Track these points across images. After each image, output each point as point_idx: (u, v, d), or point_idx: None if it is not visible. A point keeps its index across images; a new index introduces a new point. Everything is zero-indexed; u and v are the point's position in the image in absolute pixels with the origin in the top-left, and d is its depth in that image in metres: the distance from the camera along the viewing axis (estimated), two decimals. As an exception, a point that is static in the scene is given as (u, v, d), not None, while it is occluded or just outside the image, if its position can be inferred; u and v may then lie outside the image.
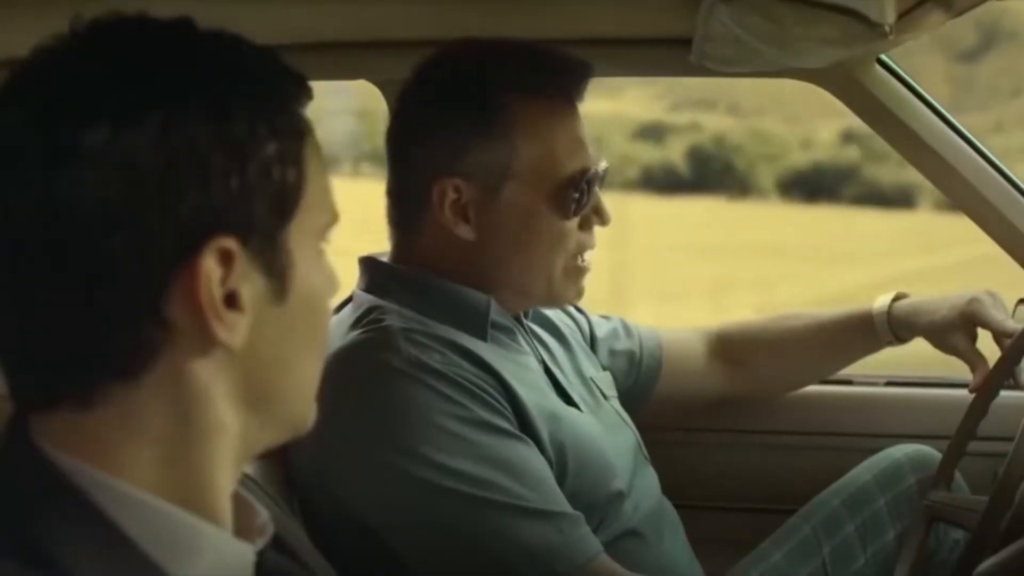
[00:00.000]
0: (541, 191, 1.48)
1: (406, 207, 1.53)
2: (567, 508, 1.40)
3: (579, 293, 1.57)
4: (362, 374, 1.41)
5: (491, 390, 1.42)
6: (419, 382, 1.39)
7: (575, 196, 1.49)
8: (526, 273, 1.52)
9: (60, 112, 0.73)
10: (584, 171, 1.50)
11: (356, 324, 1.46)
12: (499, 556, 1.36)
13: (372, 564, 1.40)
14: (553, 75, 1.51)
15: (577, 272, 1.55)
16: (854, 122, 1.94)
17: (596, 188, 1.53)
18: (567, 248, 1.52)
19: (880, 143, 1.93)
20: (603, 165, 1.55)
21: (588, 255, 1.55)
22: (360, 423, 1.39)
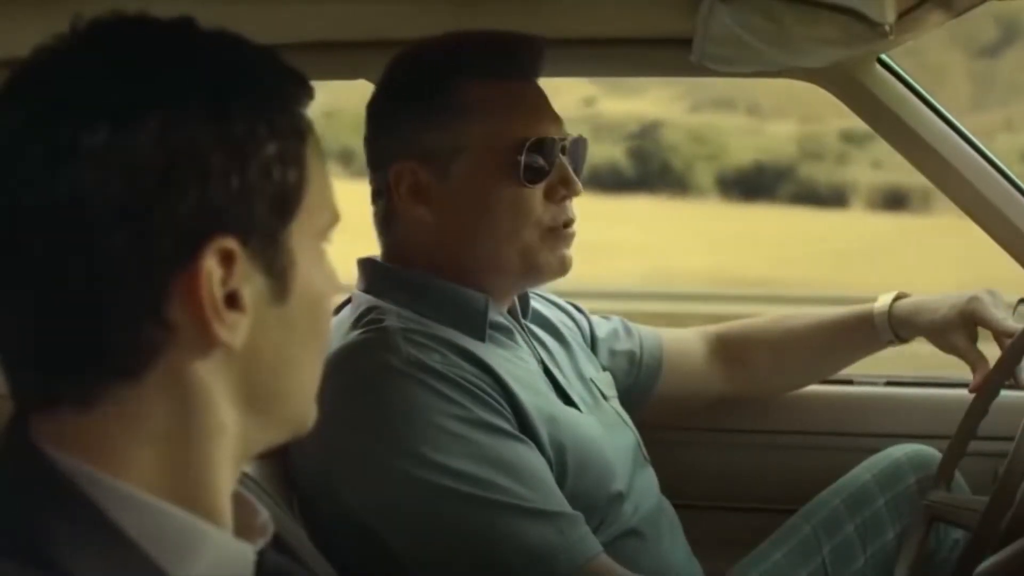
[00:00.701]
0: (491, 162, 1.49)
1: (379, 201, 1.55)
2: (567, 508, 1.40)
3: (563, 262, 1.53)
4: (362, 374, 1.41)
5: (490, 390, 1.43)
6: (419, 382, 1.39)
7: (526, 162, 1.48)
8: (494, 247, 1.51)
9: (60, 112, 0.73)
10: (537, 139, 1.49)
11: (355, 325, 1.47)
12: (499, 556, 1.36)
13: (372, 564, 1.40)
14: (502, 54, 1.52)
15: (555, 239, 1.52)
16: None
17: (558, 158, 1.51)
18: (532, 217, 1.50)
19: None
20: (570, 136, 1.54)
21: (572, 225, 1.54)
22: (360, 423, 1.39)
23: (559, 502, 1.41)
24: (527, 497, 1.38)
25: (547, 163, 1.50)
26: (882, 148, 1.93)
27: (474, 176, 1.49)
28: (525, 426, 1.44)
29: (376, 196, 1.56)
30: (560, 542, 1.37)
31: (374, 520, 1.39)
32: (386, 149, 1.53)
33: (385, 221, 1.55)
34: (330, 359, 1.33)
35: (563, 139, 1.53)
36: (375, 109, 1.56)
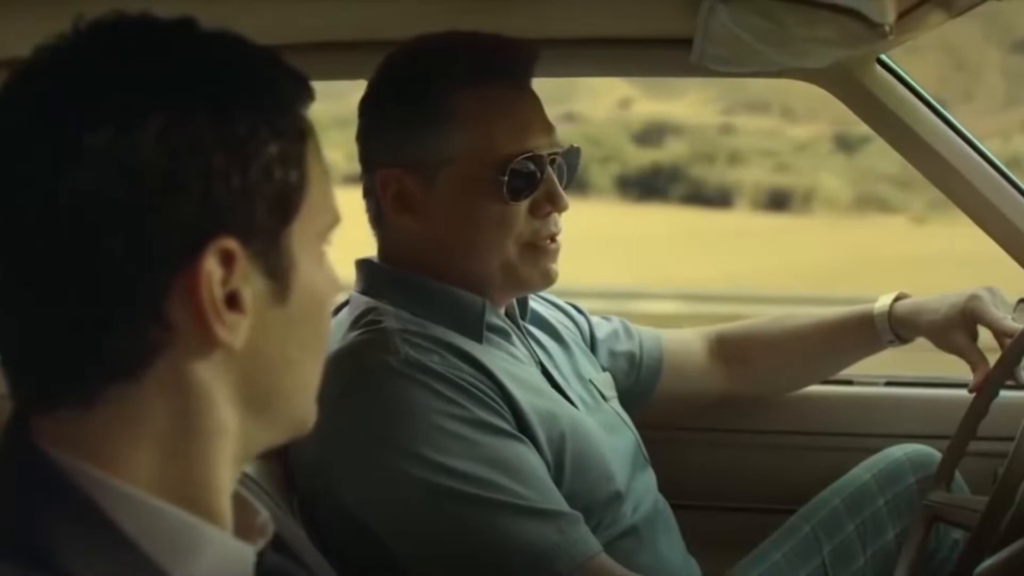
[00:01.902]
0: (476, 176, 1.47)
1: (369, 204, 1.55)
2: (565, 507, 1.40)
3: (546, 275, 1.53)
4: (360, 375, 1.41)
5: (488, 391, 1.43)
6: (417, 382, 1.39)
7: (508, 180, 1.46)
8: (476, 259, 1.51)
9: (62, 113, 0.73)
10: (522, 154, 1.47)
11: (353, 326, 1.47)
12: (498, 555, 1.36)
13: (372, 564, 1.40)
14: (493, 62, 1.50)
15: (538, 254, 1.51)
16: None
17: (545, 172, 1.49)
18: (515, 232, 1.49)
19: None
20: (559, 149, 1.51)
21: (557, 239, 1.52)
22: (359, 424, 1.39)
23: (558, 501, 1.41)
24: (526, 496, 1.38)
25: (533, 179, 1.48)
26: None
27: (459, 189, 1.48)
28: (523, 426, 1.44)
29: (366, 195, 1.55)
30: (559, 541, 1.37)
31: (373, 520, 1.39)
32: (374, 152, 1.52)
33: (375, 222, 1.56)
34: (328, 360, 1.33)
35: (552, 152, 1.50)
36: (366, 109, 1.55)
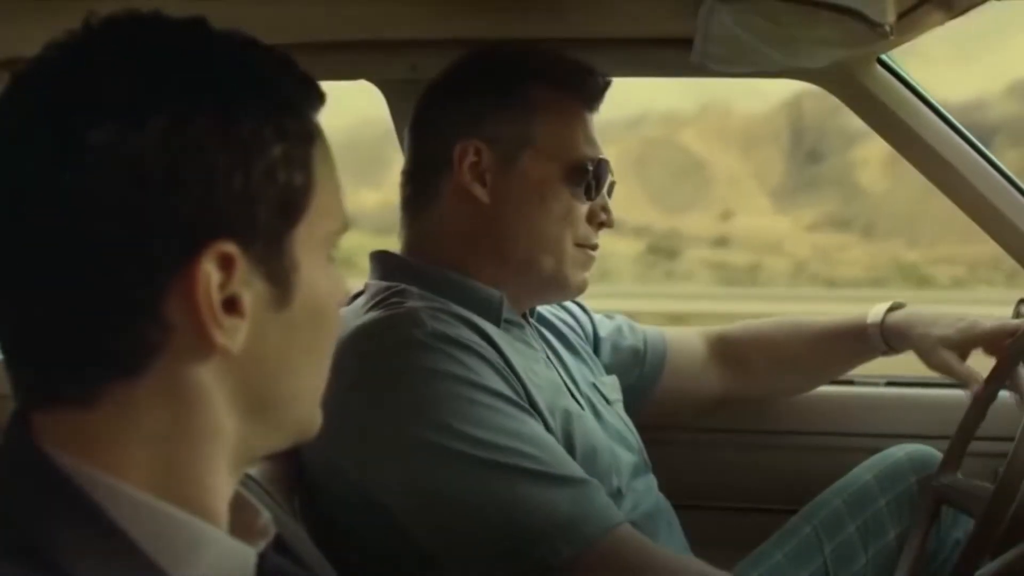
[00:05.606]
0: (557, 165, 1.53)
1: (427, 174, 1.56)
2: (587, 477, 1.39)
3: (581, 285, 1.59)
4: (387, 348, 1.39)
5: (507, 370, 1.42)
6: (444, 354, 1.38)
7: (587, 178, 1.54)
8: (534, 245, 1.54)
9: (67, 108, 0.73)
10: (598, 160, 1.56)
11: (374, 306, 1.46)
12: (527, 521, 1.32)
13: (374, 564, 1.39)
14: (578, 76, 1.58)
15: (584, 258, 1.57)
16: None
17: (607, 183, 1.58)
18: (575, 230, 1.55)
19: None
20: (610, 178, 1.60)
21: (595, 251, 1.59)
22: (386, 396, 1.36)
23: (580, 471, 1.39)
24: (551, 464, 1.36)
25: (598, 187, 1.56)
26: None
27: (538, 173, 1.53)
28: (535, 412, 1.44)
29: (425, 165, 1.57)
30: (587, 507, 1.34)
31: (394, 499, 1.37)
32: (454, 123, 1.55)
33: (430, 192, 1.56)
34: (352, 335, 1.35)
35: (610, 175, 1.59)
36: (445, 82, 1.59)
